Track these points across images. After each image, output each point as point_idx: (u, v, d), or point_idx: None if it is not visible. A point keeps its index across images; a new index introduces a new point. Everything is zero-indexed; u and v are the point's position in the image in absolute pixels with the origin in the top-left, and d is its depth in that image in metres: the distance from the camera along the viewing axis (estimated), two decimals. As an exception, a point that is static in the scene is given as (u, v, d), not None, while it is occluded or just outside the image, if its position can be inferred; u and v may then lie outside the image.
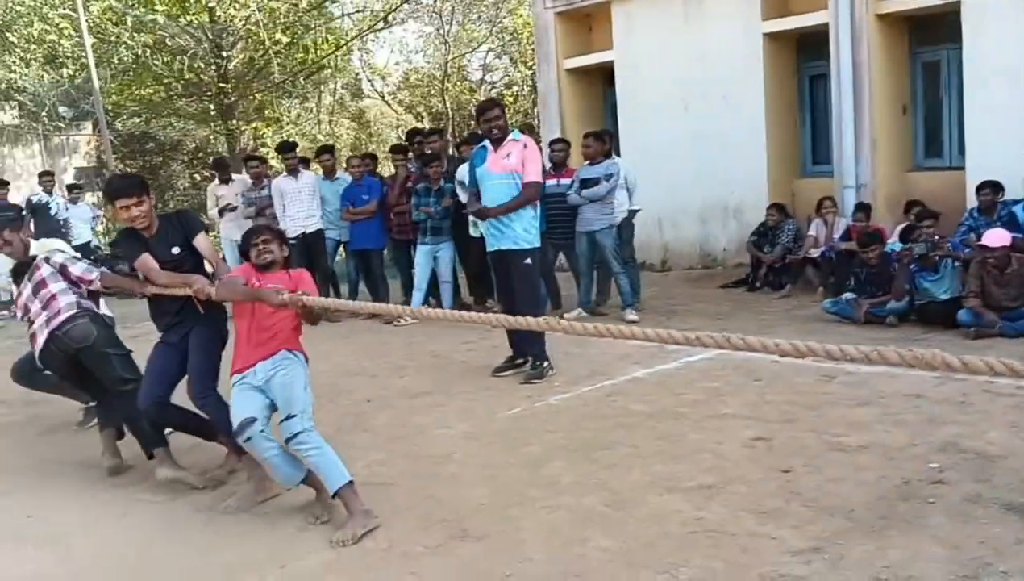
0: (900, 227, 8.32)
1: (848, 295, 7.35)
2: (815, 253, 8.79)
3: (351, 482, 3.76)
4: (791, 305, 8.38)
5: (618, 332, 3.37)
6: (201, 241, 4.51)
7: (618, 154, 10.96)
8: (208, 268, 4.48)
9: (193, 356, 4.36)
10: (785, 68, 10.25)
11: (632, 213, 8.67)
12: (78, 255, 5.19)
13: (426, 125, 28.53)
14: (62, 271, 4.88)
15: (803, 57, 10.31)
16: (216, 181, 9.88)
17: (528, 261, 6.02)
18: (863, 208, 8.74)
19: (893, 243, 7.91)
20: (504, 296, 6.43)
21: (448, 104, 28.20)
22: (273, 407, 3.91)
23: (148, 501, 4.28)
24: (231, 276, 4.18)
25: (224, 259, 6.91)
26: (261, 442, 3.82)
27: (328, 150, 9.73)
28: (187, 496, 4.28)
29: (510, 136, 6.04)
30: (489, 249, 6.20)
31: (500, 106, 6.18)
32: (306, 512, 3.95)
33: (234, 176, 9.85)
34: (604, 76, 12.11)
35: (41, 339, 4.70)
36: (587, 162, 8.35)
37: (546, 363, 6.19)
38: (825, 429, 4.58)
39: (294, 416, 3.77)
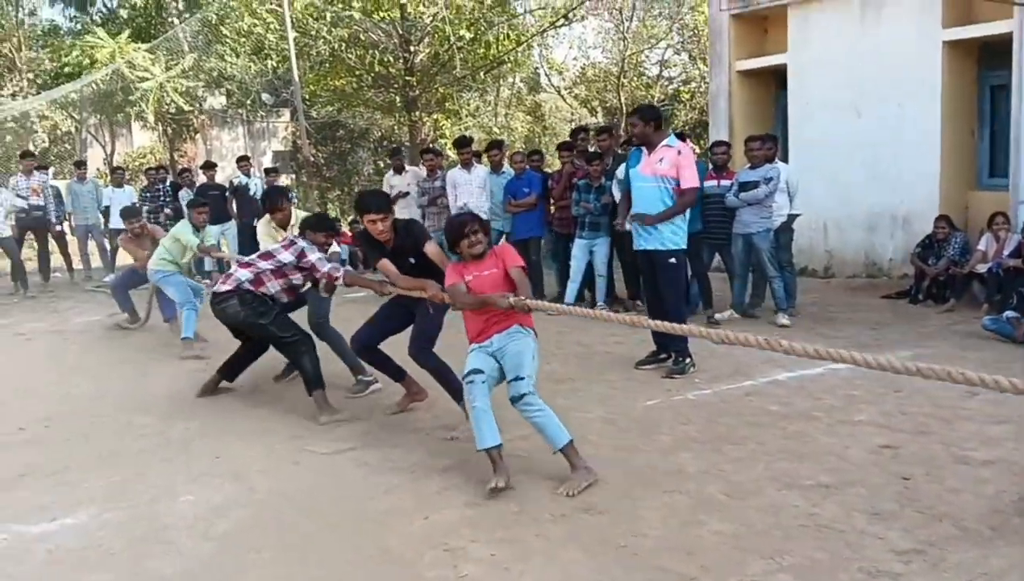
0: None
1: (1010, 313, 7.12)
2: (982, 268, 8.49)
3: (571, 441, 4.25)
4: (952, 320, 8.17)
5: (735, 339, 3.64)
6: (430, 249, 5.22)
7: (784, 158, 10.94)
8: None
9: (421, 317, 5.21)
10: (965, 77, 9.89)
11: (791, 218, 8.68)
12: (330, 256, 5.99)
13: (600, 120, 28.83)
14: (299, 256, 5.65)
15: (985, 66, 9.91)
16: (392, 171, 10.62)
17: (673, 260, 6.25)
18: (1039, 225, 8.38)
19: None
20: (650, 295, 6.69)
21: (623, 100, 28.38)
22: (500, 376, 4.41)
23: (318, 453, 4.88)
24: (449, 281, 4.64)
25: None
26: (479, 390, 4.27)
27: (496, 145, 10.25)
28: (349, 453, 4.85)
29: (664, 141, 6.26)
30: (636, 248, 6.49)
31: (641, 114, 6.29)
32: (445, 474, 4.42)
33: (407, 167, 10.55)
34: (776, 79, 12.03)
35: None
36: (748, 165, 8.44)
37: (688, 360, 6.41)
38: (954, 442, 4.61)
39: (522, 379, 4.25)
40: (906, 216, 10.09)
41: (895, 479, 4.16)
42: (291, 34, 18.09)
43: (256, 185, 12.80)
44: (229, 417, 5.72)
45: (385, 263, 5.18)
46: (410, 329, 5.35)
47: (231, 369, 6.26)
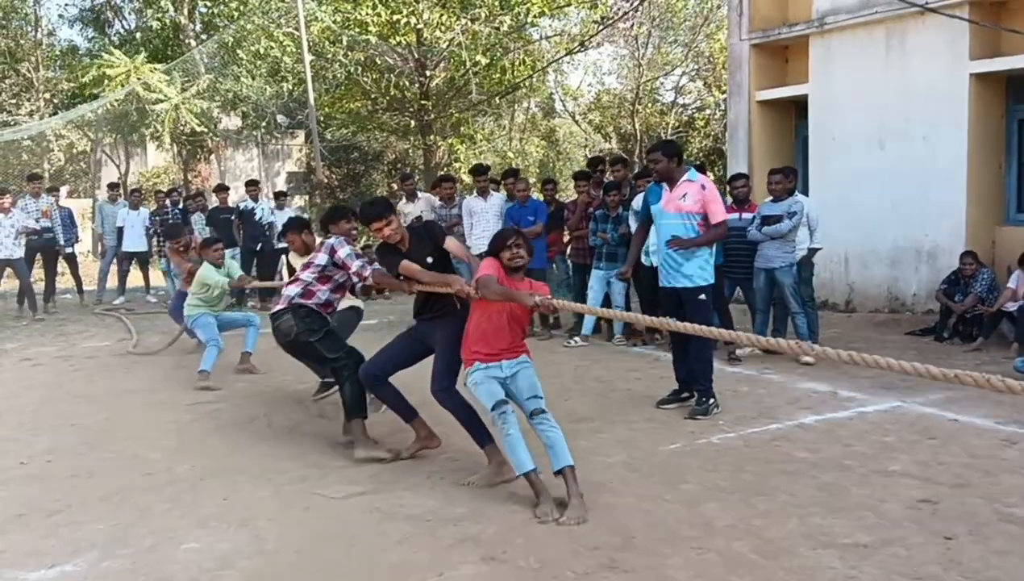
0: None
1: (1043, 355, 6.92)
2: (1012, 306, 8.27)
3: (573, 467, 4.29)
4: (980, 359, 7.95)
5: (777, 346, 3.49)
6: (450, 244, 5.18)
7: (805, 191, 10.77)
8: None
9: (440, 350, 4.98)
10: (992, 110, 9.71)
11: (812, 252, 8.50)
12: (360, 252, 5.80)
13: (615, 145, 28.76)
14: (331, 253, 5.55)
15: (1012, 99, 9.73)
16: (403, 199, 10.49)
17: (702, 297, 6.09)
18: (1070, 263, 8.16)
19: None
20: (674, 334, 6.49)
21: (637, 126, 28.29)
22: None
23: (328, 497, 4.68)
24: (484, 272, 4.54)
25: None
26: (511, 419, 4.38)
27: (512, 174, 10.12)
28: (360, 498, 4.65)
29: (685, 176, 6.12)
30: (662, 284, 6.30)
31: (664, 150, 6.15)
32: (461, 524, 4.22)
33: (419, 194, 10.43)
34: (797, 110, 11.88)
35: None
36: (770, 198, 8.26)
37: (712, 400, 6.21)
38: (997, 497, 4.39)
39: (540, 398, 4.51)
40: (931, 251, 9.89)
41: (937, 538, 3.93)
42: (307, 57, 18.04)
43: (263, 210, 12.71)
44: (238, 455, 5.54)
45: (407, 264, 5.02)
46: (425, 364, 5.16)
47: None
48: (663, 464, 5.15)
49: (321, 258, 5.61)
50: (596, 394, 6.97)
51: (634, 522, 4.21)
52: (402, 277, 5.07)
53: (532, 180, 20.27)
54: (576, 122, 31.67)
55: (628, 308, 9.09)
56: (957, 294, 8.89)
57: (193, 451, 5.62)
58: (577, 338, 9.02)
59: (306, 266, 5.71)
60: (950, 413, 6.01)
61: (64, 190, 29.89)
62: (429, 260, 5.07)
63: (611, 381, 7.39)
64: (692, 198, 6.04)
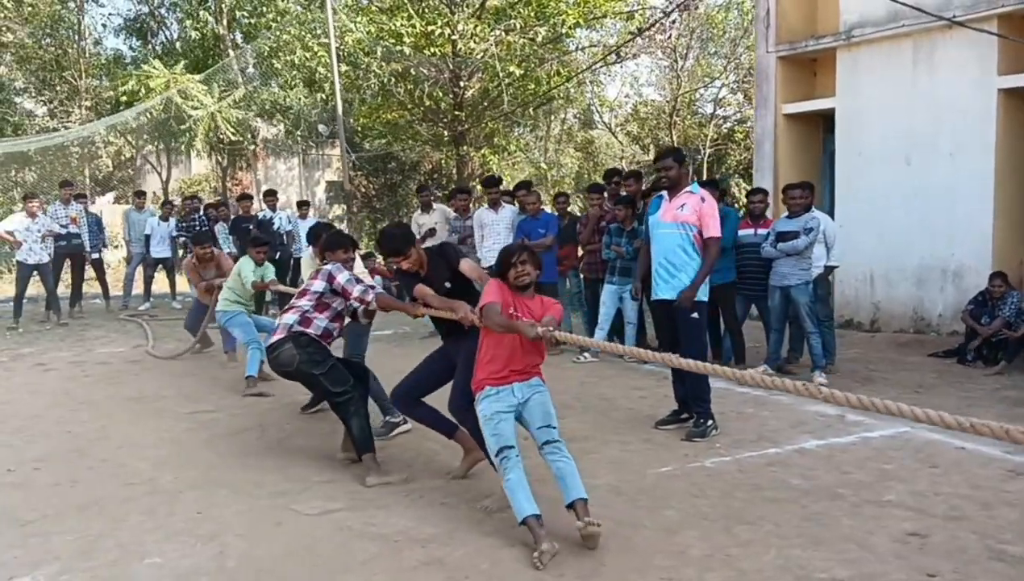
0: None
1: (1065, 383, 6.63)
2: (1040, 331, 7.98)
3: (585, 500, 4.12)
4: (1003, 384, 7.66)
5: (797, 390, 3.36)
6: (465, 267, 5.07)
7: (831, 206, 10.55)
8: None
9: (460, 371, 4.90)
10: (1021, 126, 9.38)
11: (829, 270, 8.28)
12: (359, 277, 5.67)
13: (652, 157, 28.53)
14: (328, 279, 5.41)
15: (1043, 116, 9.41)
16: (419, 210, 10.47)
17: (694, 315, 5.93)
18: (1102, 285, 7.84)
19: None
20: (669, 349, 6.34)
21: (675, 138, 28.06)
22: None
23: (302, 513, 4.61)
24: (487, 299, 4.42)
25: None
26: (514, 465, 4.19)
27: (524, 186, 10.02)
28: (334, 515, 4.57)
29: (687, 188, 5.99)
30: (653, 297, 6.16)
31: (675, 156, 6.11)
32: (429, 545, 4.12)
33: (434, 205, 10.40)
34: (824, 123, 11.63)
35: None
36: (785, 214, 8.07)
37: (710, 422, 6.05)
38: (991, 533, 4.17)
39: (554, 427, 4.35)
40: (957, 270, 9.59)
41: (919, 575, 3.74)
42: (336, 68, 18.17)
43: (281, 219, 12.77)
44: (223, 466, 5.51)
45: (421, 287, 5.00)
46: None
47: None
48: (650, 488, 5.01)
49: (318, 285, 5.43)
50: (597, 412, 6.83)
51: (607, 549, 4.07)
52: (417, 300, 5.03)
53: (570, 191, 20.18)
54: (612, 134, 31.52)
55: (641, 325, 8.93)
56: (984, 316, 8.59)
57: (180, 462, 5.60)
58: (587, 354, 8.88)
59: (302, 293, 5.52)
60: (958, 440, 5.77)
61: (111, 196, 30.57)
62: (447, 285, 5.02)
63: (614, 399, 7.25)
64: (690, 209, 5.91)
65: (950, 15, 8.97)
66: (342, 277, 5.39)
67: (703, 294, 5.98)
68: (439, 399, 5.17)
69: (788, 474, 5.22)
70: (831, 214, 9.72)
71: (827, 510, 4.60)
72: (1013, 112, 9.32)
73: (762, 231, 8.20)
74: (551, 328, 4.25)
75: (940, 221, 9.65)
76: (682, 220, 5.92)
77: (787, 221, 7.98)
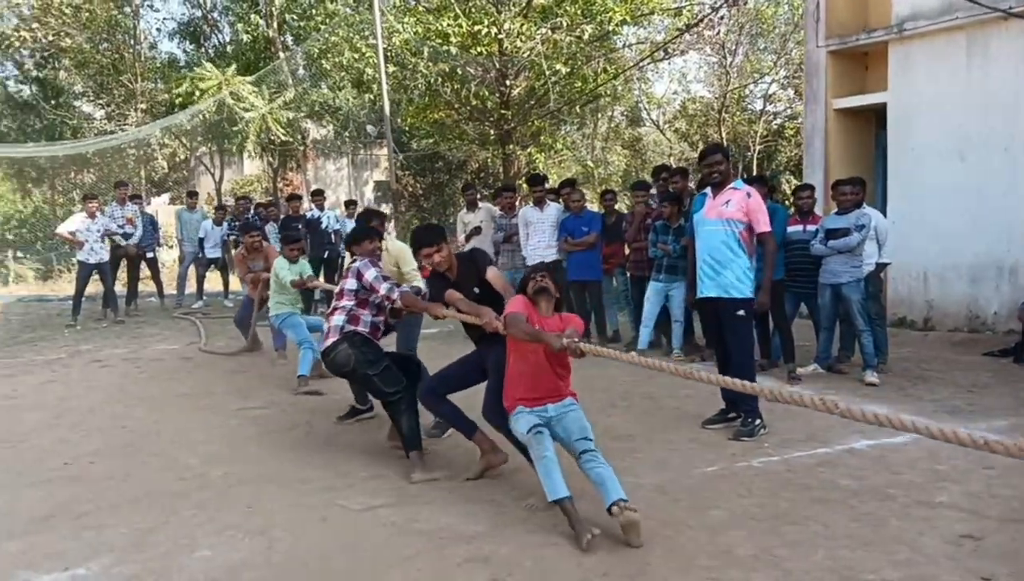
0: None
1: None
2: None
3: (625, 501, 4.07)
4: (1060, 384, 7.45)
5: (813, 403, 3.32)
6: (491, 275, 5.08)
7: (883, 202, 10.36)
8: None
9: (492, 376, 4.93)
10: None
11: (880, 267, 8.12)
12: (387, 274, 5.75)
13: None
14: (358, 277, 5.52)
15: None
16: (465, 209, 10.50)
17: (741, 312, 5.86)
18: None
19: None
20: (715, 347, 6.29)
21: (724, 135, 27.77)
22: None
23: (348, 508, 4.66)
24: (511, 310, 4.48)
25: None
26: (547, 442, 4.27)
27: (569, 184, 10.01)
28: (379, 511, 4.61)
29: (731, 184, 5.93)
30: (698, 294, 6.10)
31: (724, 152, 6.07)
32: (473, 542, 4.13)
33: (480, 203, 10.42)
34: (876, 118, 11.41)
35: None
36: (835, 210, 7.94)
37: (758, 421, 5.98)
38: (1048, 537, 4.06)
39: (590, 439, 4.34)
40: (1012, 267, 9.35)
41: (972, 578, 3.66)
42: (383, 68, 18.29)
43: (329, 218, 12.91)
44: (272, 461, 5.59)
45: (452, 293, 5.06)
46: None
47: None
48: (695, 488, 4.96)
49: (351, 283, 5.55)
50: (642, 411, 6.79)
51: (652, 549, 4.05)
52: (446, 304, 5.08)
53: (617, 189, 20.04)
54: (660, 131, 31.29)
55: (689, 323, 8.86)
56: (1039, 312, 8.37)
57: (230, 457, 5.70)
58: (634, 353, 8.80)
59: (340, 294, 5.62)
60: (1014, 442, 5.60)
61: (166, 197, 31.20)
62: (476, 290, 5.04)
63: (660, 398, 7.20)
64: (736, 205, 5.84)
65: (1005, 6, 8.74)
66: (369, 274, 5.50)
67: (748, 291, 5.90)
68: (468, 400, 5.18)
69: (837, 474, 5.13)
70: (883, 211, 9.55)
71: (877, 511, 4.51)
72: (1071, 105, 9.07)
73: (811, 228, 8.08)
74: (576, 339, 4.21)
75: (995, 217, 9.41)
76: (727, 216, 5.85)
77: (837, 218, 7.85)
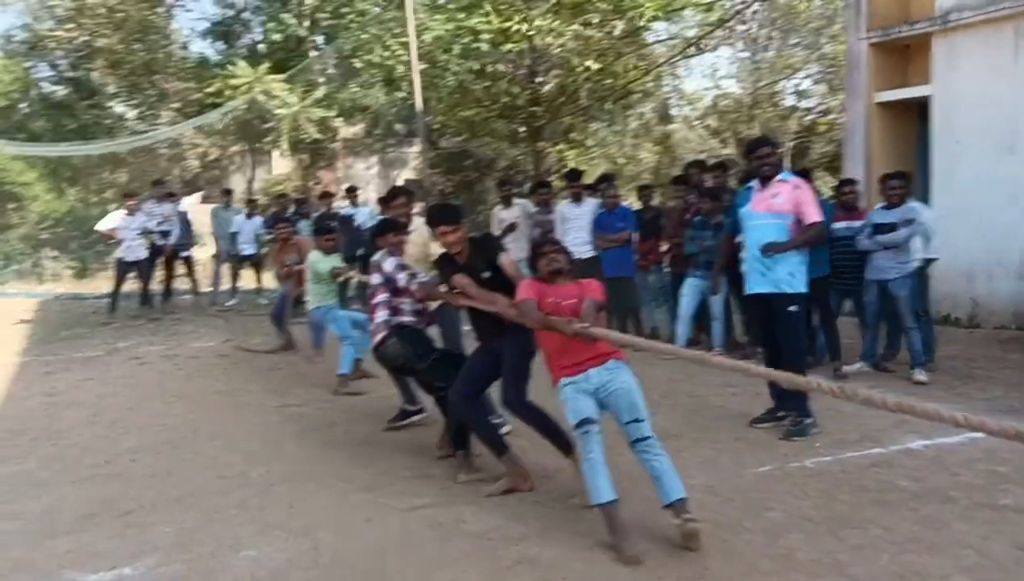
0: None
1: None
2: None
3: (685, 500, 3.97)
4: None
5: (880, 402, 3.17)
6: (504, 262, 4.93)
7: (926, 197, 10.13)
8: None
9: (506, 367, 4.81)
10: None
11: (927, 262, 7.91)
12: (407, 264, 5.70)
13: (732, 150, 27.95)
14: (379, 270, 5.52)
15: None
16: (500, 205, 10.38)
17: (793, 308, 5.70)
18: None
19: None
20: (765, 345, 6.13)
21: (756, 131, 27.45)
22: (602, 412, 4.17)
23: (392, 508, 4.58)
24: (522, 295, 4.36)
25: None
26: (595, 440, 4.06)
27: (606, 179, 9.87)
28: (423, 511, 4.52)
29: (779, 176, 5.77)
30: (748, 291, 5.95)
31: (773, 144, 5.91)
32: (522, 544, 4.03)
33: (515, 201, 10.30)
34: (919, 112, 11.16)
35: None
36: (881, 205, 7.74)
37: (809, 420, 5.82)
38: (1125, 543, 3.89)
39: (642, 421, 4.08)
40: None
41: (1046, 588, 3.51)
42: (417, 66, 18.23)
43: (363, 215, 12.86)
44: (311, 460, 5.52)
45: (460, 277, 4.91)
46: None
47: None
48: (748, 488, 4.83)
49: (375, 278, 5.58)
50: (686, 410, 6.65)
51: (709, 552, 3.93)
52: (454, 289, 4.96)
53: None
54: (691, 127, 31.01)
55: (729, 320, 8.70)
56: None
57: (269, 455, 5.64)
58: (671, 345, 8.66)
59: (373, 294, 5.62)
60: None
61: (198, 195, 31.42)
62: (485, 274, 4.89)
63: (704, 396, 7.06)
64: (785, 197, 5.67)
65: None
66: (388, 265, 5.51)
67: (801, 286, 5.73)
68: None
69: (895, 475, 4.98)
70: (927, 205, 9.32)
71: (938, 514, 4.37)
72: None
73: (855, 223, 7.88)
74: (588, 324, 4.00)
75: (1045, 212, 9.14)
76: (777, 209, 5.69)
77: (884, 212, 7.65)
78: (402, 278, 5.45)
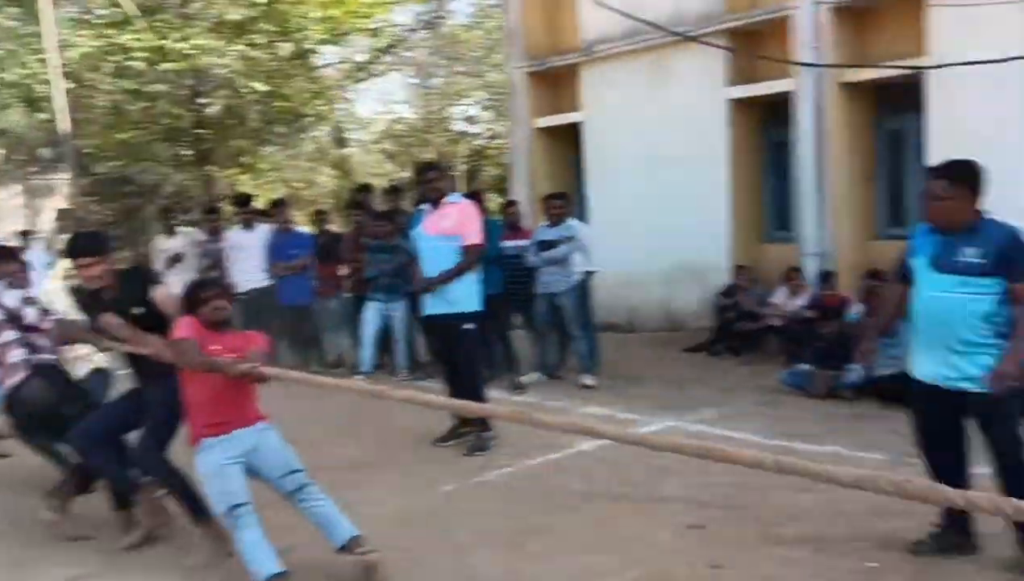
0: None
1: (803, 366, 7.21)
2: (778, 321, 8.65)
3: (358, 537, 3.81)
4: (752, 373, 8.22)
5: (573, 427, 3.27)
6: (159, 295, 4.40)
7: (585, 214, 10.91)
8: None
9: (150, 415, 4.32)
10: (750, 134, 10.18)
11: (588, 275, 8.51)
12: (33, 297, 4.99)
13: (409, 175, 28.52)
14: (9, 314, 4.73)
15: (768, 124, 10.23)
16: (163, 235, 9.67)
17: (468, 326, 5.83)
18: (826, 277, 8.62)
19: (855, 313, 7.76)
20: (444, 365, 6.22)
21: (431, 155, 28.22)
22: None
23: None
24: (180, 333, 3.93)
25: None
26: (251, 523, 3.74)
27: (279, 204, 9.57)
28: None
29: (448, 198, 5.91)
30: (424, 312, 6.02)
31: (438, 168, 6.09)
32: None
33: (180, 229, 9.67)
34: (574, 136, 12.04)
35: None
36: (543, 223, 8.23)
37: (489, 433, 5.97)
38: (767, 519, 4.37)
39: (299, 471, 3.91)
40: (701, 269, 10.09)
41: (703, 569, 3.87)
42: (60, 85, 16.61)
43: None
44: None
45: (107, 316, 4.31)
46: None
47: None
48: (435, 510, 4.85)
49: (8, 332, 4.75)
50: (373, 436, 6.52)
51: (398, 579, 3.85)
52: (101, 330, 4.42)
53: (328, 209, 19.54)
54: (368, 151, 31.23)
55: (412, 342, 8.74)
56: (731, 306, 9.25)
57: None
58: (360, 377, 8.54)
59: None
60: (723, 431, 6.05)
61: None
62: (136, 310, 4.32)
63: (390, 419, 6.97)
64: (453, 219, 5.83)
65: (683, 30, 9.50)
66: (8, 298, 4.80)
67: (475, 305, 5.89)
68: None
69: (570, 479, 5.27)
70: (586, 222, 10.03)
71: (610, 513, 4.68)
72: (742, 120, 9.98)
73: (523, 242, 8.28)
74: (257, 364, 3.80)
75: (683, 224, 10.13)
76: (447, 231, 5.82)
77: (547, 230, 8.13)
78: (30, 313, 4.73)
